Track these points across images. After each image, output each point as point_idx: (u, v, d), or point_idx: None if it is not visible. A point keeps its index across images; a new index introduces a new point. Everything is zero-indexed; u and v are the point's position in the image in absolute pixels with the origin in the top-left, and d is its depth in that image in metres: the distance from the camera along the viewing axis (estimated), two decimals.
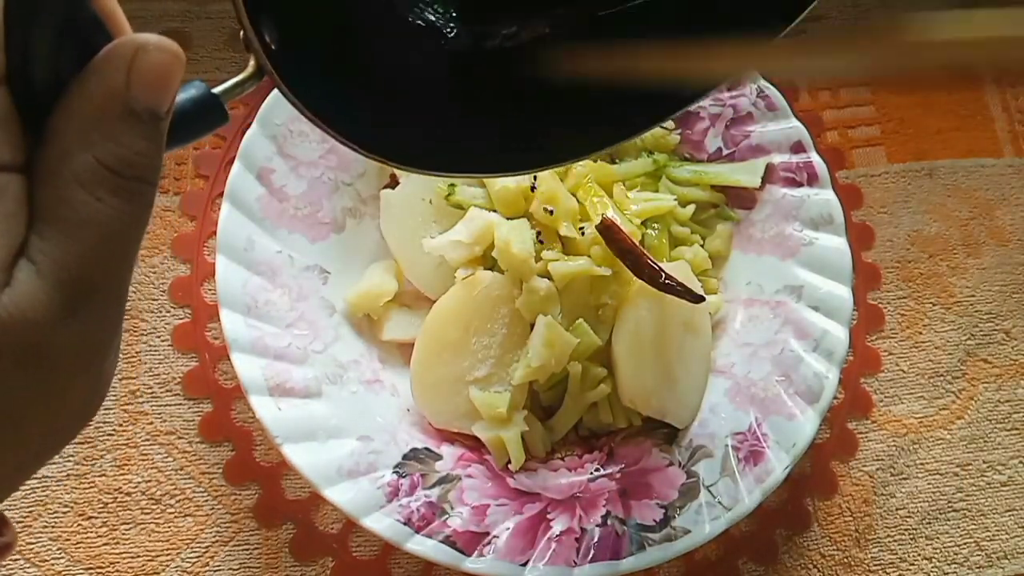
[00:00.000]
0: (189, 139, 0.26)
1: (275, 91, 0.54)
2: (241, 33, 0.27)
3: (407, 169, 0.34)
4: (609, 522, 0.48)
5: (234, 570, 0.52)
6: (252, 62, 0.27)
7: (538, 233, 0.51)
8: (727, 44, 0.29)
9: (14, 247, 0.22)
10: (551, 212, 0.51)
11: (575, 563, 0.46)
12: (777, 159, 0.56)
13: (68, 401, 0.25)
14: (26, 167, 0.23)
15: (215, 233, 0.52)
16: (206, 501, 0.53)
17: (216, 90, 0.26)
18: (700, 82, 0.34)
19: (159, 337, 0.56)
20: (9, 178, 0.22)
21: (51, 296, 0.22)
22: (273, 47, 0.27)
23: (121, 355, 0.54)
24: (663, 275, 0.49)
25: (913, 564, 0.54)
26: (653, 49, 0.31)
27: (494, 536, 0.47)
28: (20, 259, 0.22)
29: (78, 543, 0.51)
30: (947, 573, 0.54)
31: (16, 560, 0.50)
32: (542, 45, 0.36)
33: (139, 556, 0.51)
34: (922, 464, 0.57)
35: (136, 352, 0.55)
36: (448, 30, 0.35)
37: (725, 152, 0.57)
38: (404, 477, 0.48)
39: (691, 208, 0.55)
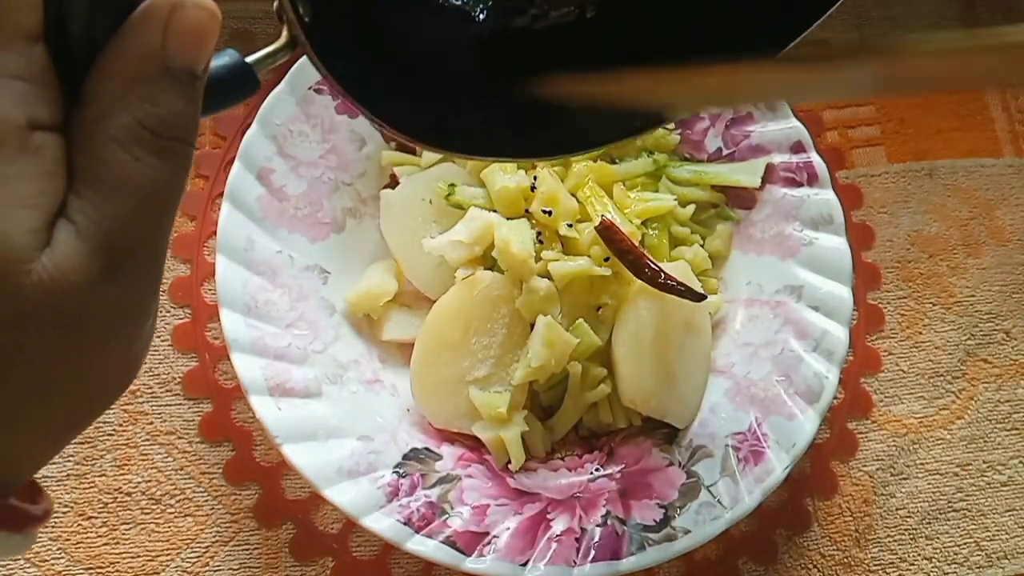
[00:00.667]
0: (222, 107, 0.26)
1: (275, 91, 0.54)
2: (275, 3, 0.27)
3: (433, 149, 0.34)
4: (609, 522, 0.48)
5: (234, 570, 0.52)
6: (285, 33, 0.27)
7: (538, 233, 0.51)
8: (735, 67, 0.29)
9: (54, 207, 0.22)
10: (549, 214, 0.51)
11: (575, 563, 0.46)
12: (777, 159, 0.56)
13: (104, 367, 0.25)
14: (65, 127, 0.23)
15: (215, 233, 0.52)
16: (206, 501, 0.53)
17: (249, 59, 0.26)
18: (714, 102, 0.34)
19: (159, 337, 0.56)
20: (47, 137, 0.22)
21: (91, 258, 0.22)
22: (307, 19, 0.27)
23: None
24: (662, 275, 0.49)
25: (913, 564, 0.54)
26: (665, 72, 0.30)
27: (494, 536, 0.47)
28: (60, 219, 0.22)
29: (78, 543, 0.51)
30: (947, 573, 0.54)
31: (16, 560, 0.50)
32: (570, 30, 0.36)
33: (139, 556, 0.51)
34: (922, 464, 0.57)
35: None
36: (477, 12, 0.35)
37: (725, 152, 0.57)
38: (404, 477, 0.48)
39: (691, 208, 0.55)
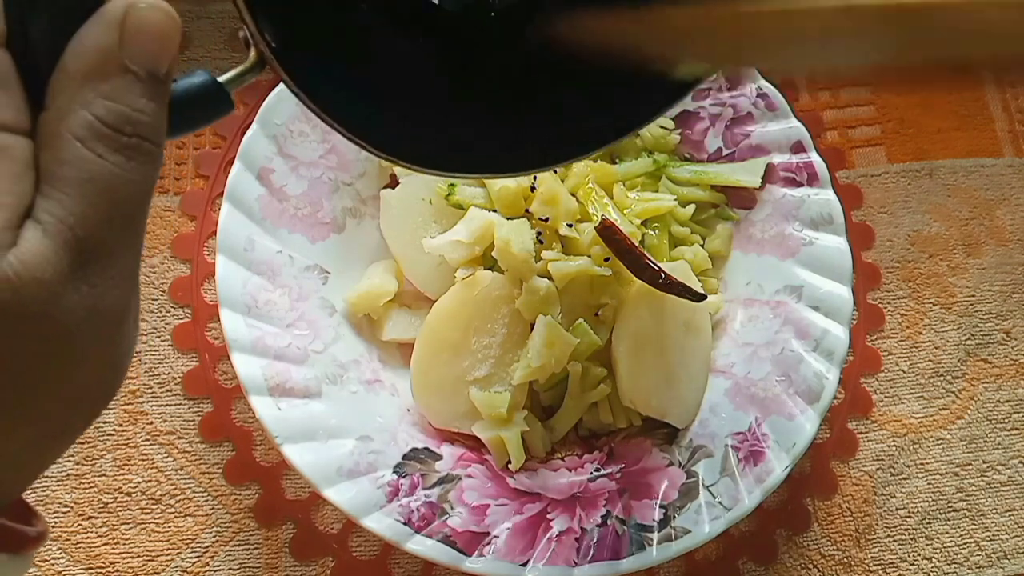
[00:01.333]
0: (195, 126, 0.27)
1: (275, 91, 0.54)
2: (241, 33, 0.27)
3: (412, 168, 0.34)
4: (609, 522, 0.48)
5: (234, 570, 0.52)
6: (253, 53, 0.27)
7: (538, 233, 0.51)
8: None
9: (20, 208, 0.22)
10: (546, 220, 0.51)
11: (575, 563, 0.46)
12: (777, 159, 0.56)
13: (85, 371, 0.24)
14: (32, 132, 0.23)
15: (215, 233, 0.52)
16: (206, 501, 0.53)
17: (221, 79, 0.26)
18: (694, 64, 0.33)
19: (159, 337, 0.56)
20: (12, 139, 0.22)
21: (59, 255, 0.22)
22: (274, 45, 0.27)
23: None
24: (662, 275, 0.49)
25: (913, 564, 0.54)
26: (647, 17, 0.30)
27: (494, 536, 0.47)
28: (28, 221, 0.22)
29: (78, 543, 0.51)
30: (947, 573, 0.54)
31: None
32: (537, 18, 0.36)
33: (139, 556, 0.51)
34: (922, 464, 0.57)
35: (136, 352, 0.55)
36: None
37: (725, 152, 0.57)
38: (404, 477, 0.48)
39: (691, 208, 0.55)
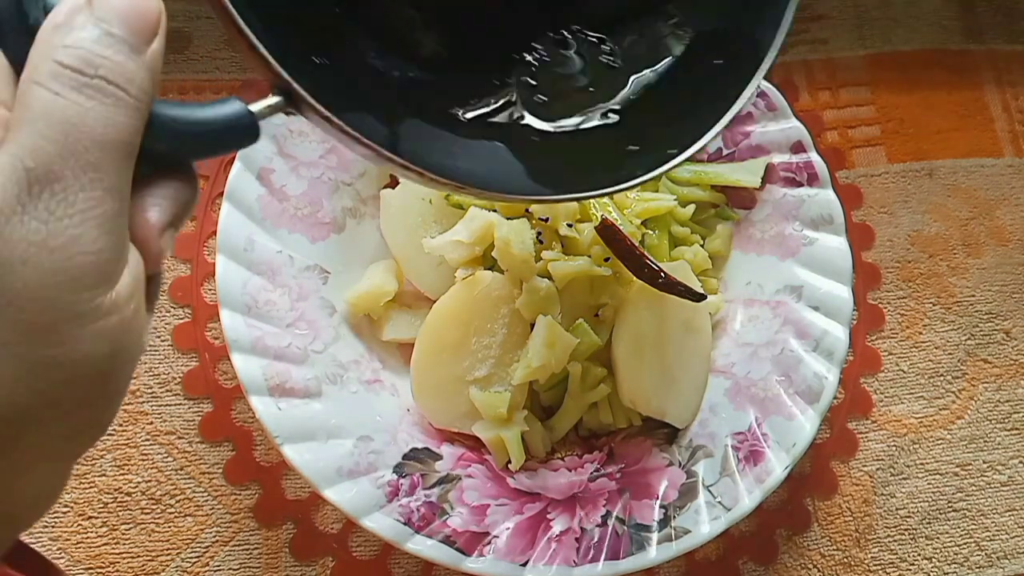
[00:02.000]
0: (221, 151, 0.27)
1: None
2: (272, 97, 0.27)
3: (465, 192, 0.34)
4: (609, 522, 0.48)
5: (234, 570, 0.52)
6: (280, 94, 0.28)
7: (538, 233, 0.51)
8: None
9: None
10: (546, 220, 0.51)
11: (575, 563, 0.46)
12: (777, 159, 0.56)
13: (48, 327, 0.22)
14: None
15: (215, 233, 0.52)
16: (206, 501, 0.53)
17: (252, 108, 0.27)
18: None
19: (159, 337, 0.56)
20: None
21: (5, 186, 0.21)
22: (309, 88, 0.27)
23: None
24: (662, 275, 0.49)
25: (913, 564, 0.54)
26: None
27: (494, 536, 0.47)
28: None
29: (78, 543, 0.51)
30: (947, 573, 0.54)
31: None
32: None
33: (139, 556, 0.51)
34: (922, 464, 0.57)
35: None
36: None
37: (725, 152, 0.57)
38: (404, 477, 0.48)
39: (691, 208, 0.55)
